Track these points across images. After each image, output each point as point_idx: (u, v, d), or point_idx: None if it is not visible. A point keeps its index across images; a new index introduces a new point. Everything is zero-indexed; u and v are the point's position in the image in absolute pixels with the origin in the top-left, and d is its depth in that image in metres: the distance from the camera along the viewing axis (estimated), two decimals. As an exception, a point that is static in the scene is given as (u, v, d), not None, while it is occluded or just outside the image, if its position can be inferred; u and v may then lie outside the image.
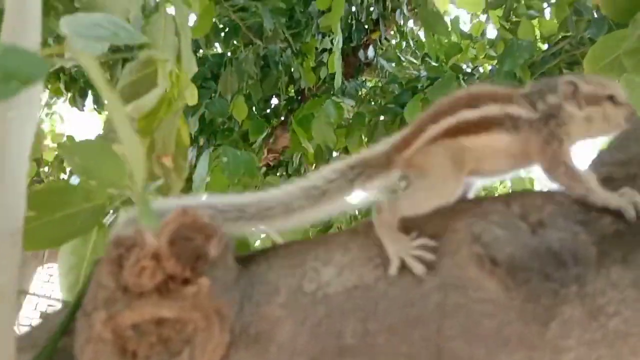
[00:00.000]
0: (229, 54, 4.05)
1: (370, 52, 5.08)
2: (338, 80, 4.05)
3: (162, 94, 1.07)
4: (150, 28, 1.40)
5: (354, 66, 5.09)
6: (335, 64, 3.97)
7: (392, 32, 5.21)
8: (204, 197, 0.73)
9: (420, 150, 0.69)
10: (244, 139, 4.43)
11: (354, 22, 4.97)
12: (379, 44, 5.22)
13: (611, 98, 0.70)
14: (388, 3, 5.02)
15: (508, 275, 0.54)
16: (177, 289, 0.55)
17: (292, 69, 4.06)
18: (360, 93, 4.55)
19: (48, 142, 5.41)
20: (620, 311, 0.53)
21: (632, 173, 0.64)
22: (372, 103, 3.94)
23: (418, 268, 0.59)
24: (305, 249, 0.65)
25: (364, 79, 4.96)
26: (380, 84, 4.39)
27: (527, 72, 2.84)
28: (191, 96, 3.32)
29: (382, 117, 3.58)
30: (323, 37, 4.56)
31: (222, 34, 3.87)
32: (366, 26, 5.05)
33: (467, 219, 0.60)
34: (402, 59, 5.03)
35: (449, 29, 3.74)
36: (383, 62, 4.78)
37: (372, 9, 4.89)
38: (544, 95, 0.70)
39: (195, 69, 1.23)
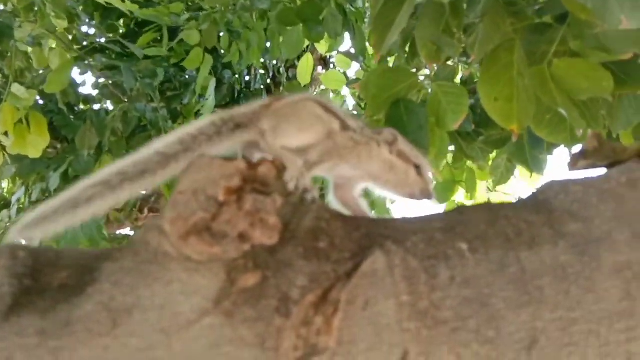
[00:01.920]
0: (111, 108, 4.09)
1: (256, 118, 5.26)
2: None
3: None
4: None
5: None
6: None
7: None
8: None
9: (287, 104, 0.84)
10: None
11: (242, 89, 5.17)
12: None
13: (417, 167, 0.89)
14: (277, 74, 5.28)
15: None
16: None
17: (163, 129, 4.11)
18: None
19: None
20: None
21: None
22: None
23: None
24: None
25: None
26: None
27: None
28: (34, 150, 3.27)
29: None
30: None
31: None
32: (254, 94, 5.26)
33: None
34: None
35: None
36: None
37: (258, 79, 5.11)
38: (373, 131, 0.90)
39: None
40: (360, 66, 4.06)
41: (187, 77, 4.49)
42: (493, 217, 0.82)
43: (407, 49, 2.30)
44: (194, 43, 3.80)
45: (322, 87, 5.03)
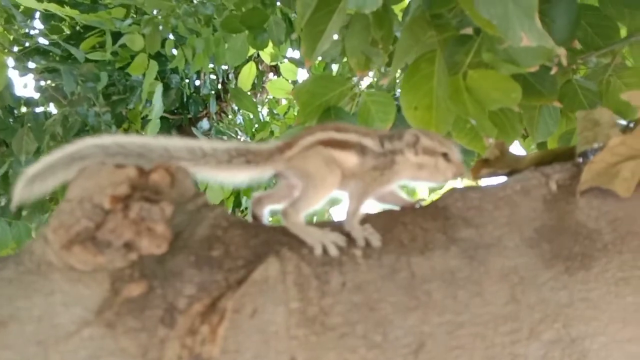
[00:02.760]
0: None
1: (205, 124, 5.22)
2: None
3: None
4: None
5: (191, 136, 5.17)
6: (150, 130, 4.02)
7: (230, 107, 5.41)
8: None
9: (299, 154, 0.84)
10: (56, 200, 4.22)
11: (192, 94, 5.10)
12: (218, 116, 5.40)
13: (445, 155, 0.90)
14: (226, 79, 5.25)
15: None
16: None
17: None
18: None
19: None
20: None
21: None
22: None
23: (333, 251, 0.75)
24: None
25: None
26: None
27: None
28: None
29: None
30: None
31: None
32: (204, 100, 5.20)
33: None
34: (239, 132, 5.22)
35: (257, 106, 4.01)
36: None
37: (208, 84, 5.06)
38: (392, 139, 0.89)
39: None
40: (308, 74, 4.09)
41: (132, 81, 4.40)
42: (391, 224, 0.84)
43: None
44: (137, 48, 3.73)
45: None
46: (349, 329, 0.70)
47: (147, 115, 4.51)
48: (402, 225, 0.84)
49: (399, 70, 1.96)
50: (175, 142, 0.81)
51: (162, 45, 3.98)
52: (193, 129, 4.91)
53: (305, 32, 1.62)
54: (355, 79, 2.11)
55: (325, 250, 0.75)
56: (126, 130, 4.73)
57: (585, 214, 0.86)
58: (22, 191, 0.77)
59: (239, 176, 0.84)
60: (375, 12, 1.53)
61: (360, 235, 0.79)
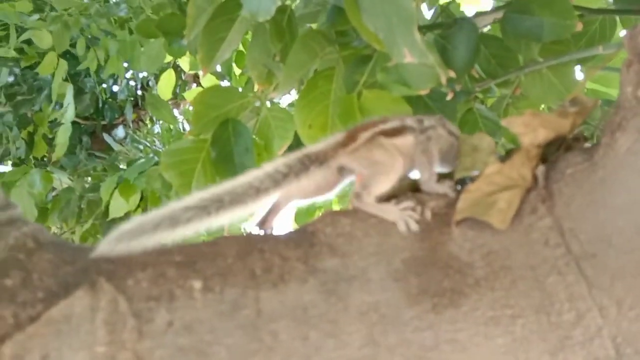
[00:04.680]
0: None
1: (121, 132, 4.95)
2: (60, 152, 3.82)
3: None
4: None
5: (104, 143, 4.88)
6: (61, 134, 3.75)
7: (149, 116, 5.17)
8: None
9: (363, 146, 0.86)
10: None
11: (107, 100, 4.82)
12: (135, 124, 5.15)
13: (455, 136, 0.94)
14: (146, 86, 5.01)
15: None
16: None
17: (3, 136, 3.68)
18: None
19: None
20: None
21: None
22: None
23: (414, 226, 0.80)
24: None
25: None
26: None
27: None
28: None
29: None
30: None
31: None
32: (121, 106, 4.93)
33: None
34: (156, 141, 4.98)
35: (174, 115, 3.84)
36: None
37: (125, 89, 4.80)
38: (429, 118, 0.93)
39: None
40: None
41: (40, 81, 4.09)
42: (246, 250, 0.74)
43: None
44: (45, 46, 3.46)
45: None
46: (168, 378, 0.58)
47: (56, 119, 4.20)
48: (259, 253, 0.74)
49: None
50: (258, 174, 0.81)
51: (74, 46, 3.73)
52: (106, 136, 4.63)
53: (203, 39, 1.52)
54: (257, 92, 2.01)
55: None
56: (31, 134, 4.39)
57: (459, 246, 0.80)
58: (106, 246, 0.68)
59: (316, 181, 0.87)
60: (275, 23, 1.46)
61: (445, 189, 0.86)
